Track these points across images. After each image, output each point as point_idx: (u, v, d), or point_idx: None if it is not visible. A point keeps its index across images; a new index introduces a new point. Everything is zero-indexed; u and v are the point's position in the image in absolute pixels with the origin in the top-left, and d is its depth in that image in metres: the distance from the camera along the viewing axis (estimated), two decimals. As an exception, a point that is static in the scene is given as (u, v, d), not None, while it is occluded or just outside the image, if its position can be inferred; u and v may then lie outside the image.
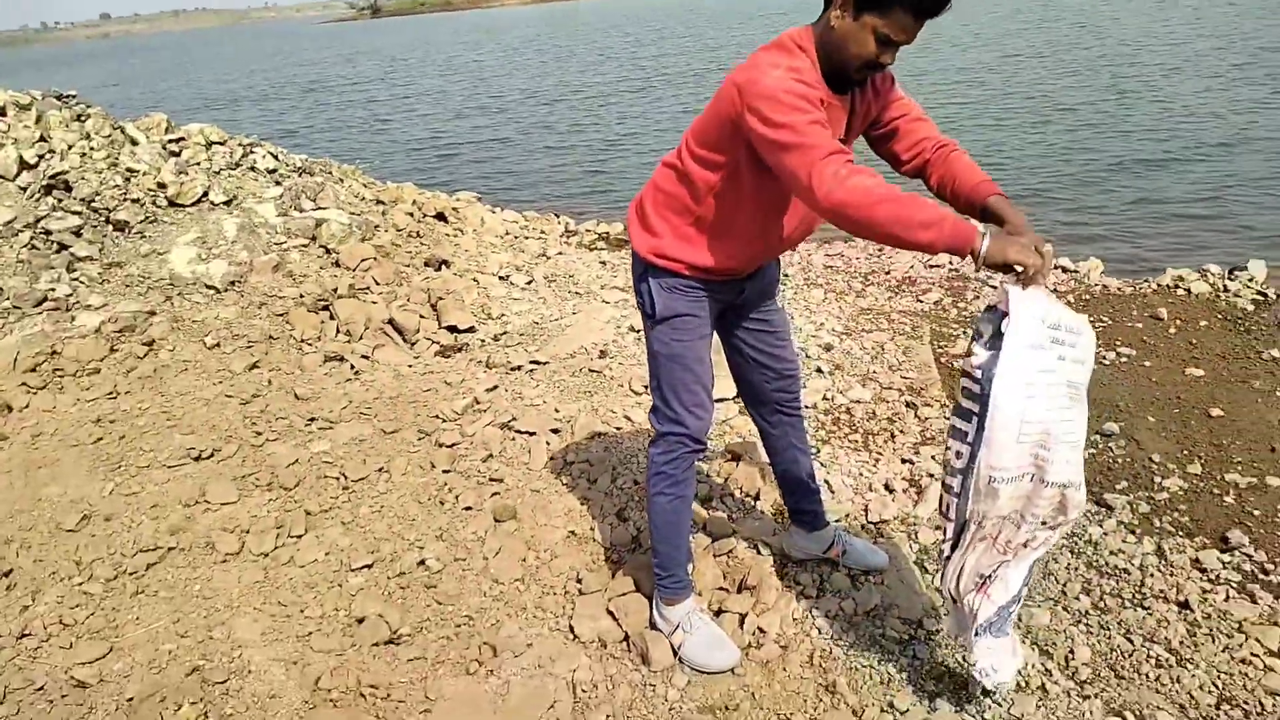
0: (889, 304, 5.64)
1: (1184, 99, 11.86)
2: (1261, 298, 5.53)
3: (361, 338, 4.59)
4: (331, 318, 4.69)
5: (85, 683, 2.33)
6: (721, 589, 2.77)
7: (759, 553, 2.95)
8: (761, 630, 2.58)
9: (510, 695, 2.28)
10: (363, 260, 5.28)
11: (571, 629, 2.57)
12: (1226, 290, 5.64)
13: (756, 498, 3.23)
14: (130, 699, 2.21)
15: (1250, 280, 5.73)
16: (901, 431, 3.93)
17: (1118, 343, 4.95)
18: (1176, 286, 5.74)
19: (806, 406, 4.09)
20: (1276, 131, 9.80)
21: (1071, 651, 2.58)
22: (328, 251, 5.32)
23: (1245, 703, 2.42)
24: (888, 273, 6.25)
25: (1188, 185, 8.27)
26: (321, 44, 59.53)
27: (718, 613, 2.66)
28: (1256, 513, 3.43)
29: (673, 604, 2.55)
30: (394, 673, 2.34)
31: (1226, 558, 3.15)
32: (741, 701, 2.37)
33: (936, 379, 4.54)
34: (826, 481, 3.38)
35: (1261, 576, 3.05)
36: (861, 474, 3.51)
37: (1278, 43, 15.33)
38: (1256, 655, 2.61)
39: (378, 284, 5.14)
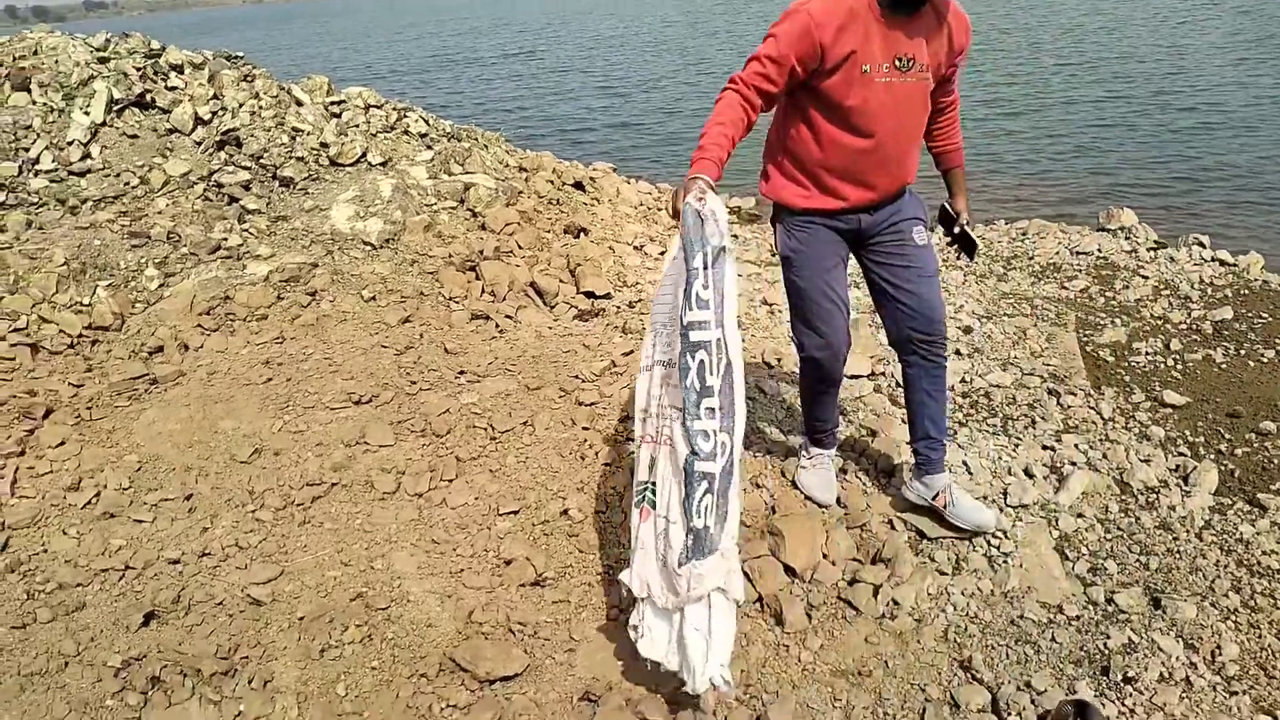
0: (1032, 289, 5.49)
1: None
2: None
3: (505, 298, 4.76)
4: (478, 278, 4.87)
5: (260, 600, 2.53)
6: (855, 560, 2.80)
7: (893, 528, 2.96)
8: (895, 602, 2.61)
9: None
10: (507, 224, 5.45)
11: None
12: (1403, 289, 5.26)
13: (892, 474, 3.23)
14: (301, 618, 2.39)
15: None
16: (1043, 418, 3.85)
17: (1277, 340, 4.70)
18: (1347, 283, 5.39)
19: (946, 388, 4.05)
20: None
21: (1219, 647, 2.51)
22: (474, 214, 5.50)
23: None
24: (1031, 258, 6.08)
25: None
26: (460, 11, 60.82)
27: (851, 582, 2.69)
28: None
29: (809, 447, 3.14)
30: (540, 612, 2.47)
31: (1391, 567, 2.99)
32: (875, 669, 2.40)
33: (1081, 368, 4.41)
34: (965, 463, 3.35)
35: None
36: (1000, 458, 3.46)
37: None
38: None
39: (521, 248, 5.30)
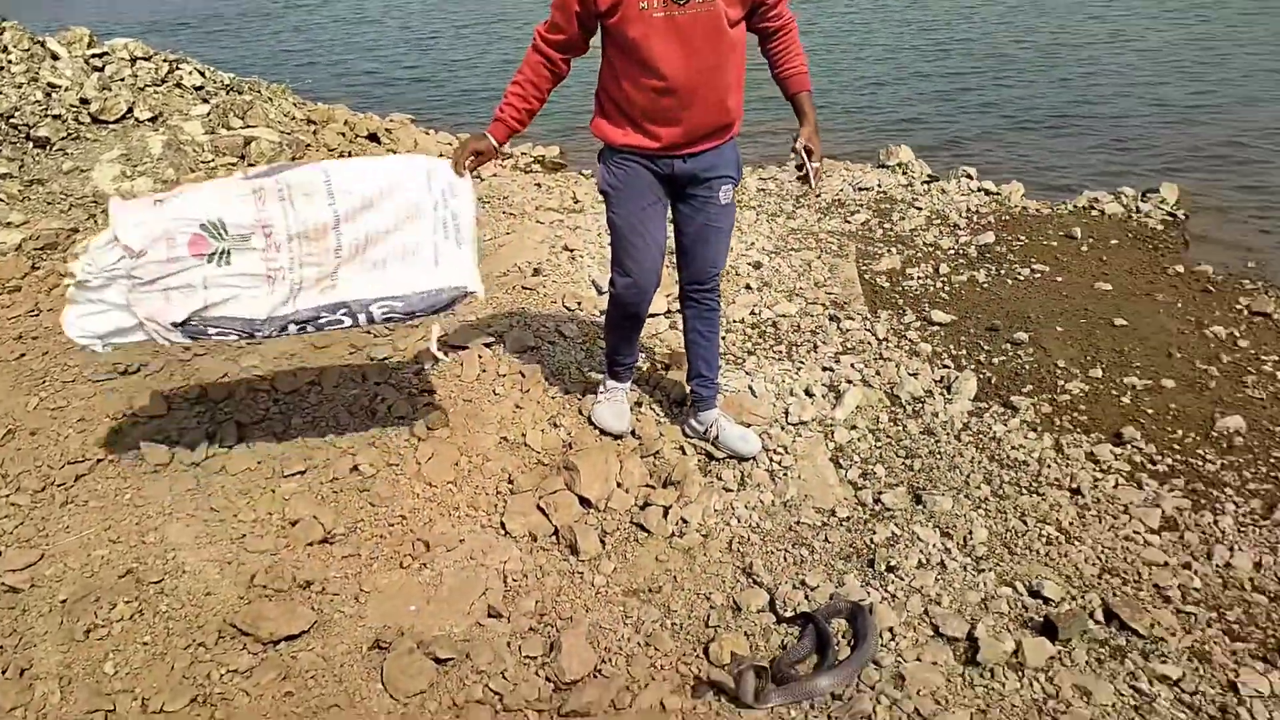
0: (818, 225, 5.76)
1: (1106, 38, 12.08)
2: (1171, 218, 5.77)
3: (292, 257, 4.57)
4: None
5: (16, 588, 2.37)
6: (648, 485, 2.91)
7: (684, 453, 3.08)
8: (684, 521, 2.73)
9: (443, 585, 2.39)
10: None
11: (503, 525, 2.68)
12: (1138, 211, 5.86)
13: (684, 404, 3.35)
14: (64, 600, 2.26)
15: (1162, 202, 5.96)
16: (823, 343, 4.07)
17: (1032, 260, 5.15)
18: (1091, 208, 5.95)
19: (736, 320, 4.22)
20: (1194, 64, 10.06)
21: (970, 533, 2.77)
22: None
23: (1124, 573, 2.64)
24: (818, 195, 6.36)
25: (1108, 116, 8.48)
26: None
27: (644, 506, 2.79)
28: (1150, 411, 3.66)
29: (606, 382, 3.23)
30: (328, 569, 2.43)
31: (1118, 450, 3.37)
32: (664, 584, 2.51)
33: (859, 294, 4.69)
34: (750, 388, 3.52)
35: (1149, 466, 3.29)
36: (783, 381, 3.65)
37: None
38: (1138, 533, 2.83)
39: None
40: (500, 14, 18.69)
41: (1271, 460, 3.31)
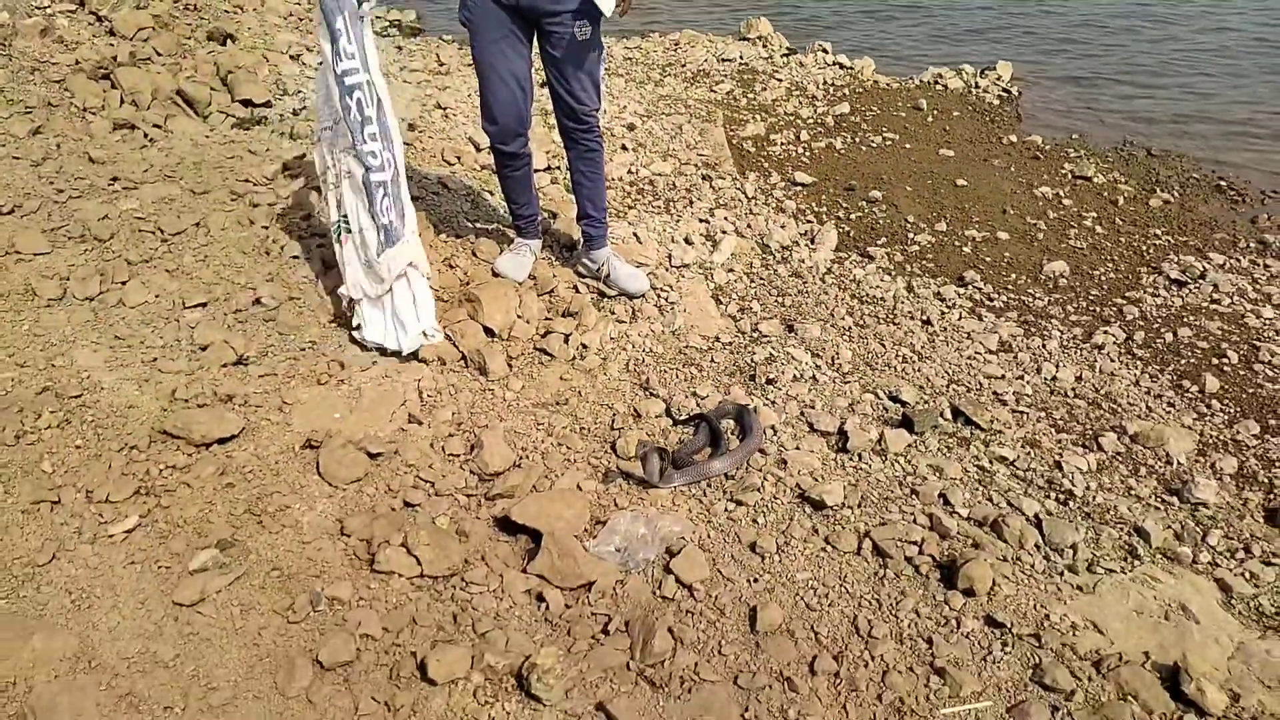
0: (685, 93, 5.91)
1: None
2: (1006, 94, 6.25)
3: (150, 107, 4.36)
4: (114, 87, 4.40)
5: (-79, 412, 2.33)
6: (546, 318, 3.08)
7: (578, 291, 3.26)
8: (584, 346, 2.93)
9: (363, 397, 2.51)
10: (140, 29, 4.92)
11: (414, 353, 2.80)
12: (977, 87, 6.31)
13: (573, 248, 3.51)
14: (-19, 414, 2.25)
15: (998, 79, 6.43)
16: (698, 199, 4.29)
17: (884, 129, 5.51)
18: (936, 83, 6.35)
19: (615, 179, 4.36)
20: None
21: (837, 353, 3.10)
22: (99, 19, 4.91)
23: (968, 383, 3.04)
24: (684, 65, 6.50)
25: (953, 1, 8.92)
26: None
27: (545, 334, 2.96)
28: (988, 259, 4.10)
29: (514, 237, 3.34)
30: (247, 386, 2.50)
31: (961, 290, 3.78)
32: (570, 398, 2.72)
33: (729, 157, 4.92)
34: (635, 234, 3.71)
35: (987, 303, 3.71)
36: (665, 230, 3.86)
37: None
38: (979, 354, 3.24)
39: (159, 55, 4.84)
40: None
41: (1090, 297, 3.80)
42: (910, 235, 4.27)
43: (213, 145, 4.13)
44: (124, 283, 2.91)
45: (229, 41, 5.36)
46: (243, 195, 3.59)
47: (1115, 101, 6.26)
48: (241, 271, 3.06)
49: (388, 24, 7.57)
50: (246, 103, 4.71)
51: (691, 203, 4.25)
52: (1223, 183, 4.92)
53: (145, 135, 4.09)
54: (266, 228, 3.36)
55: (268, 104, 4.75)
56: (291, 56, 5.58)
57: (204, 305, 2.85)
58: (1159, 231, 4.37)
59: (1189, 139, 5.60)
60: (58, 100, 4.17)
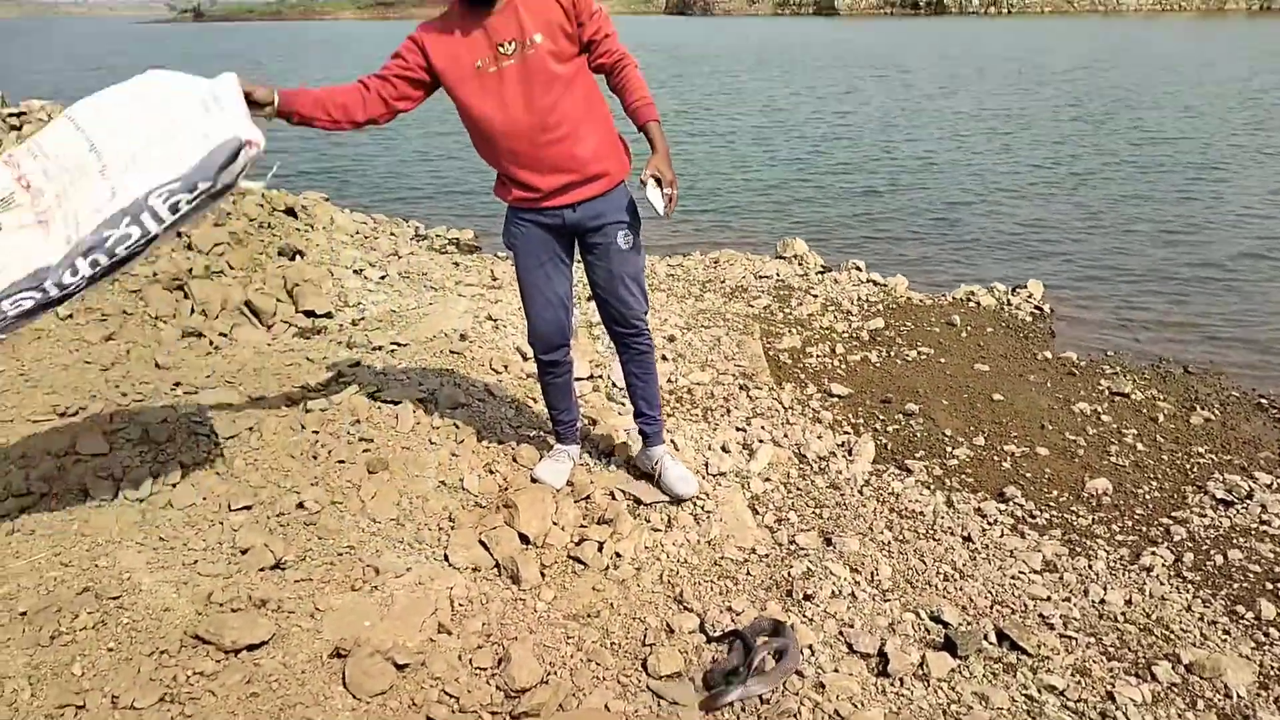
0: (724, 307, 6.14)
1: (992, 153, 13.25)
2: (1038, 311, 6.39)
3: (218, 317, 4.65)
4: (186, 297, 4.71)
5: (-31, 608, 2.38)
6: (582, 525, 3.09)
7: (614, 498, 3.29)
8: (618, 555, 2.92)
9: (394, 604, 2.51)
10: (216, 244, 5.30)
11: (446, 558, 2.82)
12: (1009, 304, 6.47)
13: (611, 454, 3.57)
14: (23, 612, 2.28)
15: (1029, 296, 6.60)
16: (735, 408, 4.37)
17: (918, 344, 5.63)
18: (969, 300, 6.53)
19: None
20: (1059, 183, 11.13)
21: (876, 569, 3.05)
22: (180, 234, 5.31)
23: (1012, 604, 2.95)
24: (723, 281, 6.78)
25: (983, 219, 9.32)
26: (148, 46, 56.37)
27: (579, 542, 2.97)
28: (1028, 474, 4.07)
29: (554, 442, 3.44)
30: (282, 590, 2.52)
31: (1002, 506, 3.74)
32: (602, 610, 2.69)
33: (765, 368, 5.04)
34: (672, 442, 3.76)
35: (1030, 520, 3.66)
36: (702, 438, 3.91)
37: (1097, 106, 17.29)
38: (1023, 573, 3.16)
39: (232, 268, 5.18)
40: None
41: (1135, 516, 3.73)
42: (948, 449, 4.27)
43: (274, 353, 4.35)
44: (174, 484, 3.01)
45: (298, 257, 5.74)
46: (297, 401, 3.74)
47: (1149, 317, 6.38)
48: (289, 475, 3.14)
49: (447, 241, 8.07)
50: (309, 313, 4.99)
51: (729, 411, 4.33)
52: (1264, 400, 4.91)
53: (211, 343, 4.34)
54: (316, 433, 3.48)
55: (329, 314, 5.03)
56: (355, 271, 5.94)
57: (249, 508, 2.92)
58: (1202, 449, 4.33)
59: (1226, 355, 5.64)
60: (133, 309, 4.45)
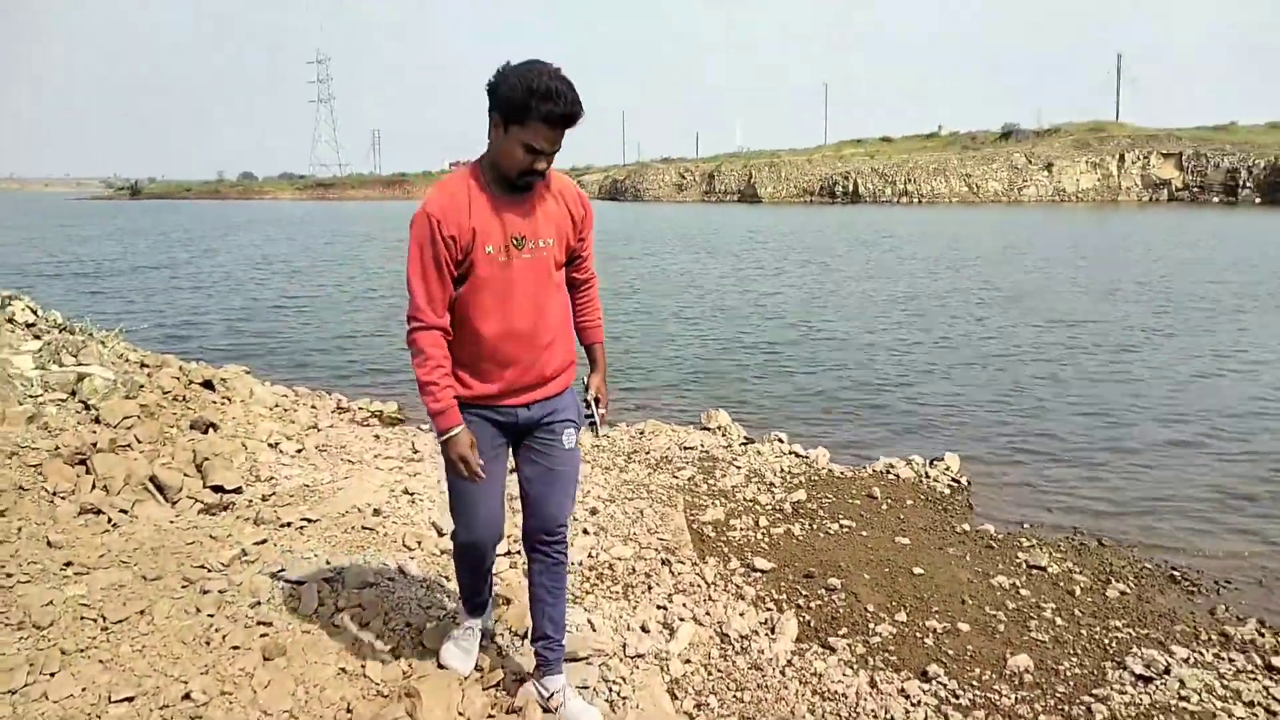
0: (649, 478, 6.13)
1: (906, 329, 13.84)
2: (956, 483, 6.51)
3: (120, 493, 4.46)
4: (88, 472, 4.53)
5: None
6: (490, 715, 2.94)
7: (522, 683, 3.14)
8: (527, 746, 2.76)
9: (281, 808, 2.32)
10: (125, 418, 5.16)
11: (341, 757, 2.64)
12: (928, 476, 6.59)
13: (524, 636, 3.44)
14: None
15: (947, 469, 6.73)
16: (657, 584, 4.29)
17: (840, 516, 5.66)
18: (888, 472, 6.64)
19: (575, 562, 4.39)
20: (975, 362, 11.61)
21: (798, 755, 2.94)
22: (87, 407, 5.16)
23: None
24: (648, 452, 6.80)
25: (901, 395, 9.61)
26: (90, 219, 56.55)
27: (487, 733, 2.81)
28: (950, 651, 4.03)
29: (461, 614, 3.23)
30: (156, 795, 2.32)
31: (925, 686, 3.69)
32: (508, 808, 2.52)
33: (688, 541, 4.99)
34: (589, 621, 3.65)
35: (953, 700, 3.61)
36: (620, 617, 3.81)
37: (974, 286, 18.29)
38: (946, 756, 3.07)
39: (140, 441, 5.03)
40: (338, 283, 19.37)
41: (1058, 694, 3.70)
42: (871, 625, 4.22)
43: (175, 530, 4.17)
44: (53, 674, 2.80)
45: (211, 430, 5.61)
46: (194, 582, 3.57)
47: (1063, 490, 6.53)
48: (178, 663, 2.95)
49: (369, 414, 7.99)
50: (217, 488, 4.83)
51: (650, 588, 4.24)
52: (1176, 572, 5.01)
53: (110, 520, 4.15)
54: (212, 616, 3.30)
55: (239, 489, 4.87)
56: (270, 444, 5.81)
57: (130, 699, 2.71)
58: (1119, 624, 4.35)
59: (1138, 528, 5.77)
60: (30, 484, 4.25)
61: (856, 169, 73.67)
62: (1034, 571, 4.97)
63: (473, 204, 2.55)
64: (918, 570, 4.86)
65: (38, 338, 5.63)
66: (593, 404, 2.85)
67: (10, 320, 5.62)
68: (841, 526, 5.49)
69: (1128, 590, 4.75)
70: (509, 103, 2.43)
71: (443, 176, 2.67)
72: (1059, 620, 4.37)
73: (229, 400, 6.59)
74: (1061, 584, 4.81)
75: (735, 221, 47.17)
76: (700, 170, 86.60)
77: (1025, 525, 5.80)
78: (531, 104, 2.40)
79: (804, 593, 4.55)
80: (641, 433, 7.35)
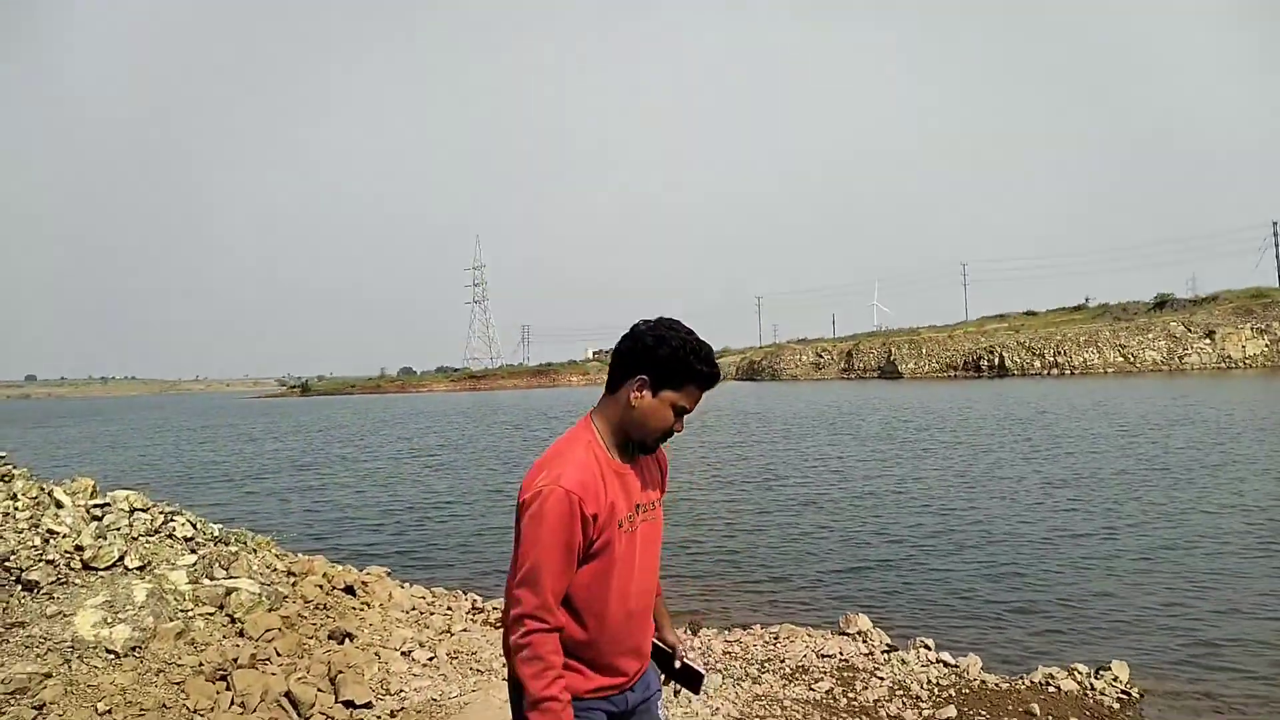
0: (782, 691, 5.83)
1: (1058, 517, 13.04)
2: (1126, 696, 5.90)
3: (255, 710, 4.56)
4: (228, 688, 4.67)
5: None
6: None
7: None
8: None
9: None
10: (267, 630, 5.34)
11: None
12: (1093, 688, 6.00)
13: None
14: None
15: (1114, 680, 6.13)
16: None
17: (996, 735, 5.18)
18: (1048, 684, 6.09)
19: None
20: (1148, 552, 10.77)
21: None
22: (233, 620, 5.38)
23: None
24: (782, 661, 6.49)
25: (1063, 591, 8.92)
26: (267, 416, 61.13)
27: None
28: None
29: None
30: None
31: None
32: None
33: (825, 771, 4.65)
34: None
35: None
36: None
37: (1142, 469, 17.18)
38: None
39: (279, 655, 5.18)
40: (474, 487, 19.95)
41: None
42: None
43: (301, 752, 4.20)
44: None
45: (347, 640, 5.73)
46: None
47: (1250, 699, 5.80)
48: None
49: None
50: (348, 704, 4.87)
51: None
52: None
53: (242, 740, 4.22)
54: None
55: (369, 704, 4.90)
56: (403, 653, 5.87)
57: None
58: None
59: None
60: (172, 702, 4.41)
61: (1002, 343, 72.12)
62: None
63: (604, 473, 2.34)
64: (1086, 807, 4.34)
65: (194, 551, 5.98)
66: (682, 657, 2.65)
67: (171, 535, 6.00)
68: (996, 750, 5.01)
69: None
70: (668, 365, 2.33)
71: (566, 435, 2.42)
72: None
73: (368, 605, 6.76)
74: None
75: (877, 399, 46.47)
76: (838, 349, 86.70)
77: (1211, 749, 5.14)
78: (692, 366, 2.35)
79: (955, 831, 4.12)
80: (776, 638, 7.05)
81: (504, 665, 5.98)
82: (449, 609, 7.76)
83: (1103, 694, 5.88)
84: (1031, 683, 6.12)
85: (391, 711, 4.86)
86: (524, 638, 2.21)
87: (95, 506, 6.01)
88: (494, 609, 8.14)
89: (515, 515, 2.32)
